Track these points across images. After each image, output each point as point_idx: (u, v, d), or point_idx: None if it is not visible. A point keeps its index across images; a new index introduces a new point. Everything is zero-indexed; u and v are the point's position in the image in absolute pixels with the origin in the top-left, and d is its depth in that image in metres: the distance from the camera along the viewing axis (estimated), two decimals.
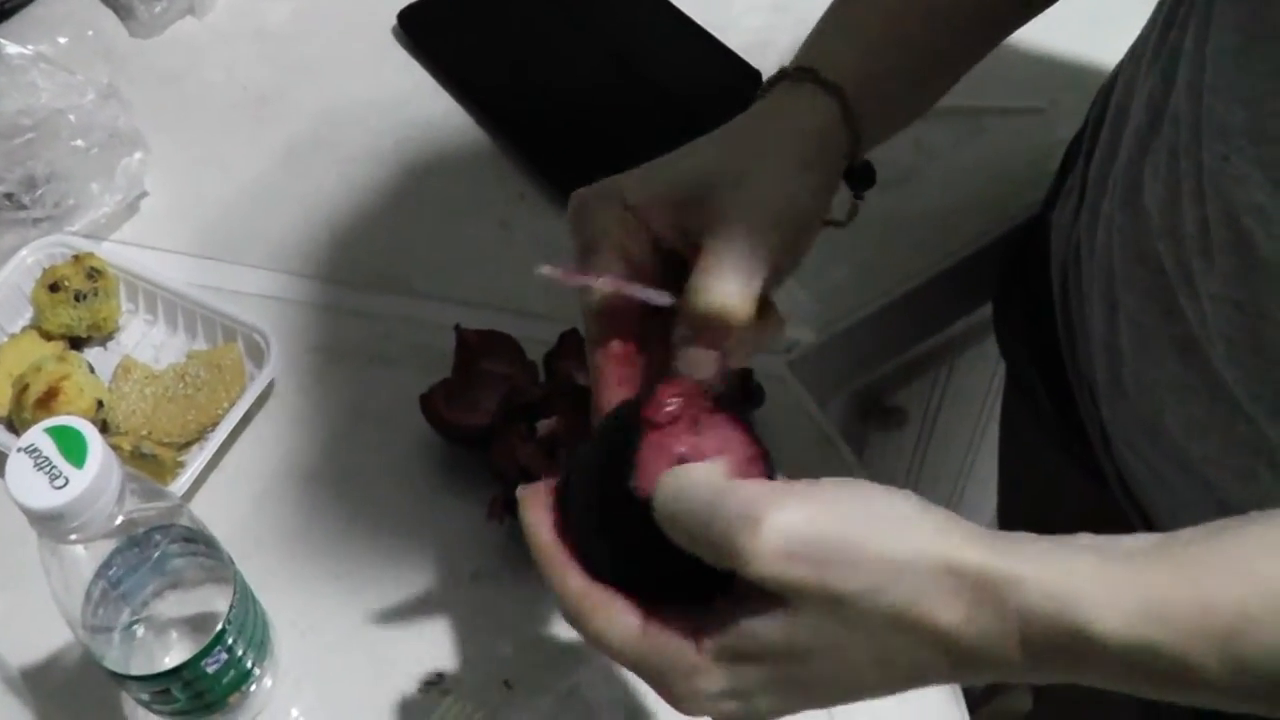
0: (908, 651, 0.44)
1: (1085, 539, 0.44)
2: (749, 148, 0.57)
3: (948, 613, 0.43)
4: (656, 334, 0.57)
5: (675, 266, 0.56)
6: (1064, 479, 0.84)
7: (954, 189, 0.90)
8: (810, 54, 0.60)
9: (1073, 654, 0.42)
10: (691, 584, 0.46)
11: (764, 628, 0.44)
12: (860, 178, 0.61)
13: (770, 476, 0.48)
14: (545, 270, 0.53)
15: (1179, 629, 0.41)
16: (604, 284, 0.54)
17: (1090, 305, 0.70)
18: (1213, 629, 0.41)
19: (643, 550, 0.47)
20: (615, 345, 0.57)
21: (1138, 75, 0.66)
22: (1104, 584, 0.42)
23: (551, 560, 0.49)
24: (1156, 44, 0.63)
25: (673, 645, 0.46)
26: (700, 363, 0.53)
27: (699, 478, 0.46)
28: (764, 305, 0.55)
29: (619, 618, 0.48)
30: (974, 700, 0.72)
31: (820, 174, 0.58)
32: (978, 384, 1.18)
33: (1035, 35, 0.95)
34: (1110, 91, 0.72)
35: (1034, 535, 0.44)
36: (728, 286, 0.53)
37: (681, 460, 0.48)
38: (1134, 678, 0.42)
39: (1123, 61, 0.73)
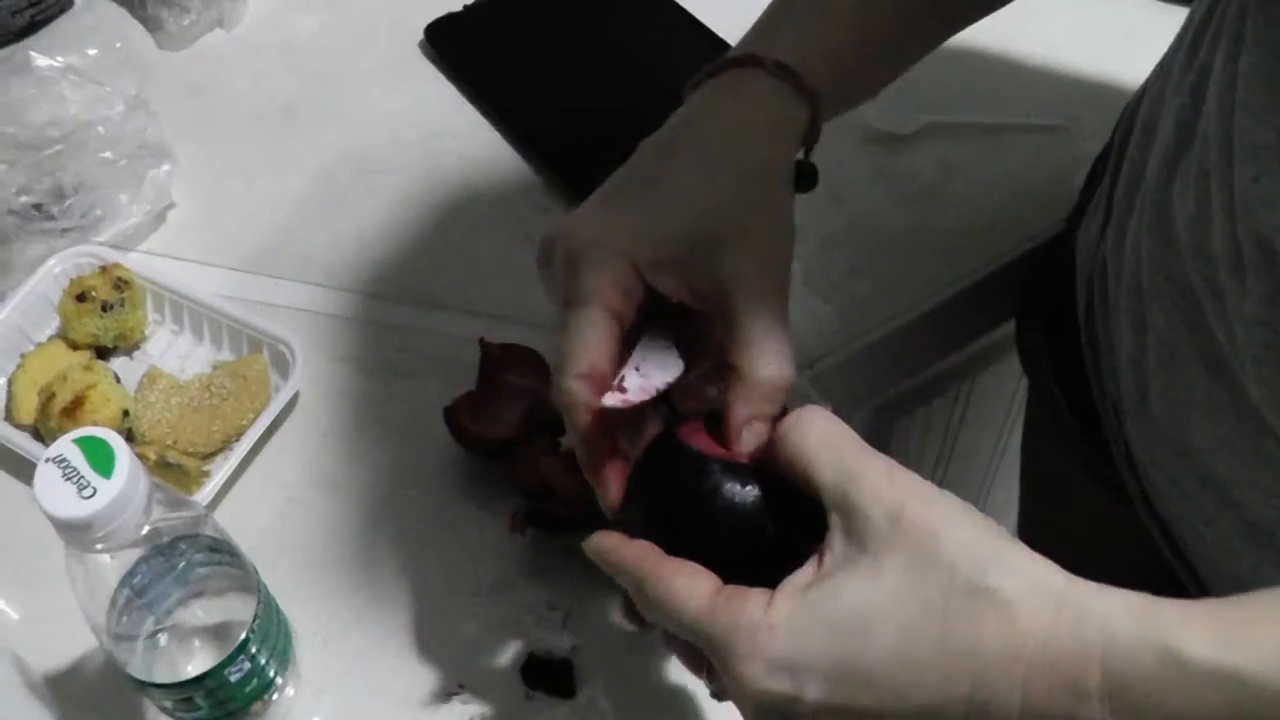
0: (977, 654, 0.42)
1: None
2: (741, 183, 0.55)
3: (1032, 616, 0.42)
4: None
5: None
6: (1087, 495, 0.83)
7: (976, 205, 0.90)
8: (780, 44, 0.58)
9: (1157, 682, 0.40)
10: (765, 565, 0.47)
11: (845, 582, 0.44)
12: (807, 179, 0.60)
13: None
14: (610, 401, 0.52)
15: (1265, 657, 0.40)
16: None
17: (1116, 323, 0.70)
18: None
19: (713, 530, 0.49)
20: (616, 461, 0.55)
21: (1165, 93, 0.65)
22: (1187, 613, 0.41)
23: (623, 547, 0.50)
24: (1185, 62, 0.63)
25: (748, 602, 0.45)
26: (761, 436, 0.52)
27: None
28: None
29: (696, 576, 0.48)
30: None
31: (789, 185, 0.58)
32: (1000, 400, 1.18)
33: (1055, 51, 0.96)
34: (1136, 109, 0.72)
35: None
36: (783, 355, 0.52)
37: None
38: (1212, 714, 0.40)
39: (1149, 79, 0.72)
